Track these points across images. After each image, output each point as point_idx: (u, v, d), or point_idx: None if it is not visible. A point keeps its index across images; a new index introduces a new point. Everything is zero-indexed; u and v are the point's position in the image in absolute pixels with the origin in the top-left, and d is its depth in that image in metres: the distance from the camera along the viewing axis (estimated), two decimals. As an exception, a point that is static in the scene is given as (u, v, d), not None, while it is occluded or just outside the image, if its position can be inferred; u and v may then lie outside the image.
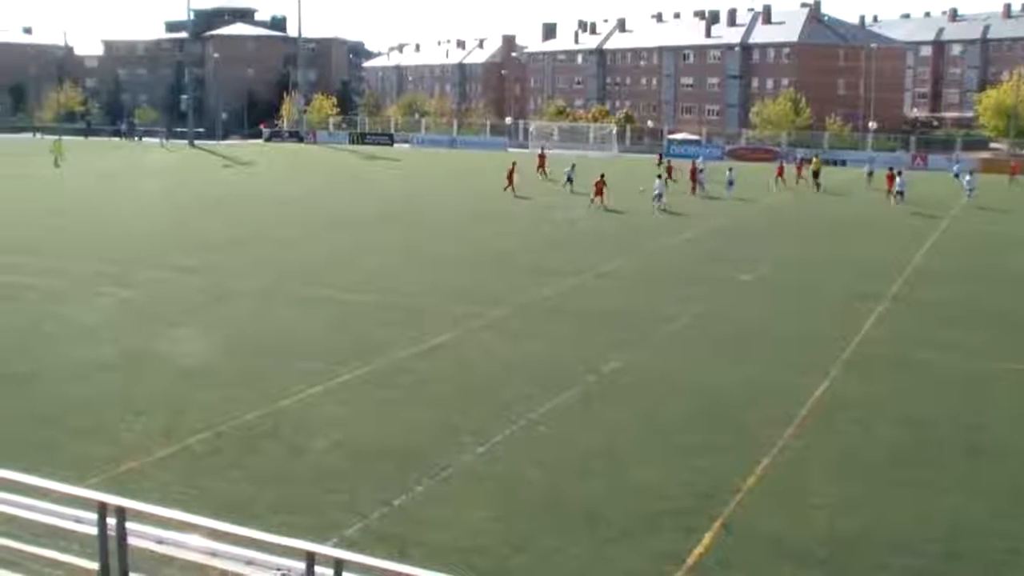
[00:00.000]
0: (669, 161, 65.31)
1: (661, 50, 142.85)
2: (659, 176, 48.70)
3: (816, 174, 60.26)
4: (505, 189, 52.21)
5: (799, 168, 63.71)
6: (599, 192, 47.07)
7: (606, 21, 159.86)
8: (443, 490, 13.67)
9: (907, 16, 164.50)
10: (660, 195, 46.73)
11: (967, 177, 57.92)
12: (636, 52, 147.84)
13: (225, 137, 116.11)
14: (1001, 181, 65.90)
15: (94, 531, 6.24)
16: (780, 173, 60.99)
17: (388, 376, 19.19)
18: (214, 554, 6.21)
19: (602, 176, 47.39)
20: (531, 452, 15.20)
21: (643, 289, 28.52)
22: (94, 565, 6.23)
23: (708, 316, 25.12)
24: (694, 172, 55.84)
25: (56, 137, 71.86)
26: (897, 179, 52.70)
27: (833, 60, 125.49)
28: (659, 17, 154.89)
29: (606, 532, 12.41)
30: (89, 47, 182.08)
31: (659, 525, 12.66)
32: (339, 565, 5.69)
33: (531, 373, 19.49)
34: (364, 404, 17.55)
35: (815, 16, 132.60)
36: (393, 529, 12.34)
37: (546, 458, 14.94)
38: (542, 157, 65.24)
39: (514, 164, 54.54)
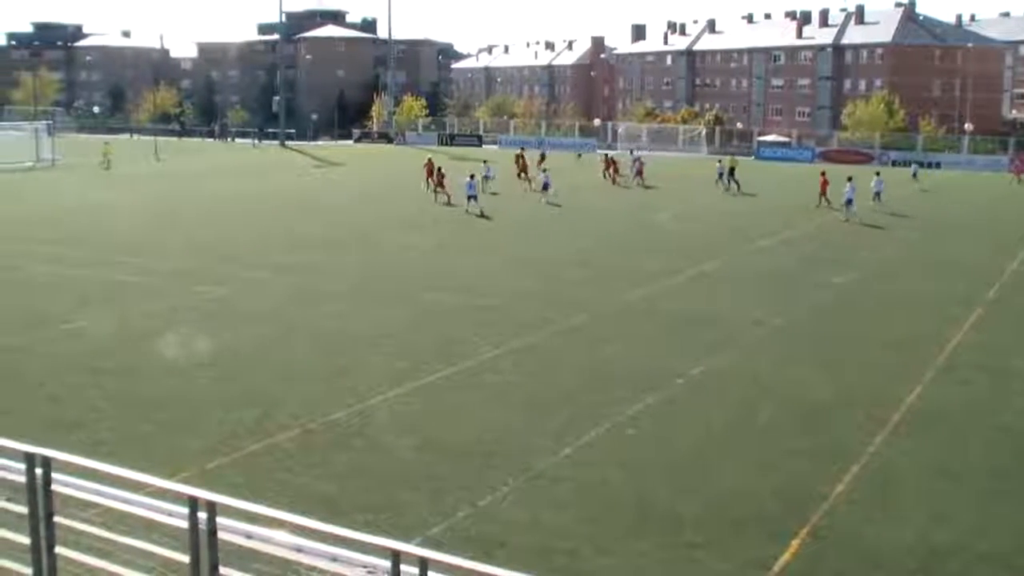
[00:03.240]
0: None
1: (751, 51, 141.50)
2: (849, 179, 45.23)
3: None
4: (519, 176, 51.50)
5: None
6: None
7: (695, 22, 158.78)
8: (528, 491, 13.66)
9: (1006, 14, 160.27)
10: (851, 201, 44.32)
11: None
12: (726, 53, 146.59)
13: (316, 138, 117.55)
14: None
15: (185, 524, 6.32)
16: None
17: (474, 376, 19.24)
18: (300, 550, 6.24)
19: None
20: (617, 455, 15.12)
21: (734, 291, 28.20)
22: (185, 558, 6.31)
23: (799, 319, 24.77)
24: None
25: (105, 141, 73.51)
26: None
27: (928, 60, 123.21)
28: (749, 18, 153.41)
29: (692, 537, 12.29)
30: (184, 49, 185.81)
31: (746, 531, 12.51)
32: (424, 564, 5.68)
33: (618, 375, 19.39)
34: (450, 404, 17.61)
35: (910, 16, 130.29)
36: (478, 529, 12.36)
37: (632, 461, 14.85)
38: (609, 159, 64.90)
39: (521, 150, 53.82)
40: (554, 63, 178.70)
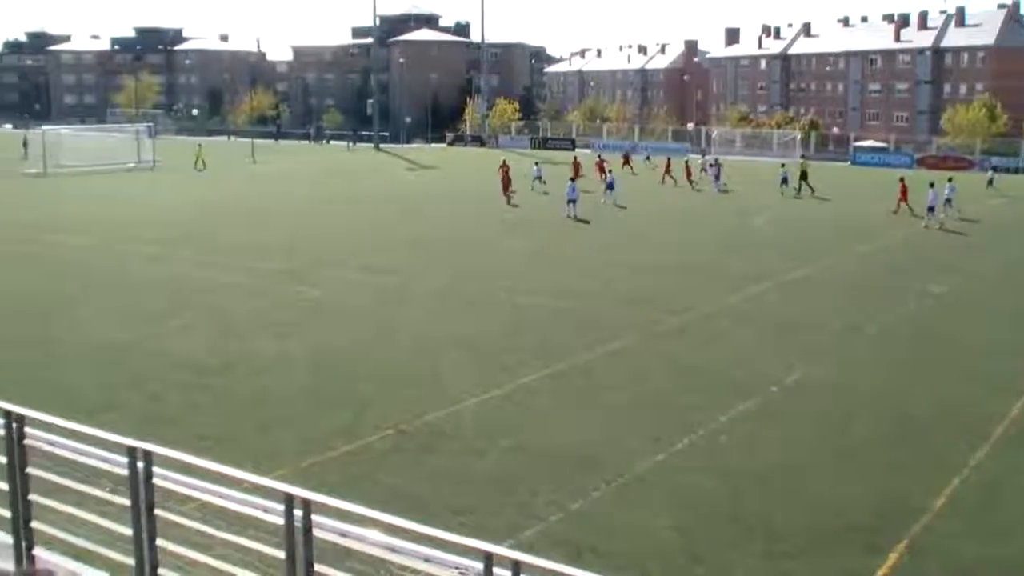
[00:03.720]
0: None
1: (847, 55, 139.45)
2: (931, 184, 44.45)
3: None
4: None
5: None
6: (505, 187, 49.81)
7: (790, 26, 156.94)
8: (620, 496, 13.58)
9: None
10: (933, 208, 43.52)
11: None
12: (821, 57, 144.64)
13: (409, 141, 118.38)
14: None
15: (281, 521, 6.38)
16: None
17: (567, 380, 19.20)
18: (393, 550, 6.26)
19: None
20: (711, 462, 14.96)
21: (829, 298, 27.72)
22: (280, 554, 6.37)
23: (897, 328, 24.30)
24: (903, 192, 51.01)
25: (199, 143, 74.92)
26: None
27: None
28: (845, 21, 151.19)
29: (785, 547, 12.12)
30: (280, 53, 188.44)
31: (841, 542, 12.29)
32: (517, 567, 5.67)
33: (712, 381, 19.21)
34: (543, 407, 17.59)
35: (1013, 16, 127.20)
36: (570, 533, 12.32)
37: (726, 468, 14.68)
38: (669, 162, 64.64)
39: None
40: (647, 67, 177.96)
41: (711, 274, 31.01)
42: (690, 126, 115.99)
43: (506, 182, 51.72)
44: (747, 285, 28.92)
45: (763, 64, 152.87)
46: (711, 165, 61.91)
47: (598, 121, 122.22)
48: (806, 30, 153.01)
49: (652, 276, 30.68)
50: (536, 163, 60.48)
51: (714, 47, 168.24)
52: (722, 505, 13.31)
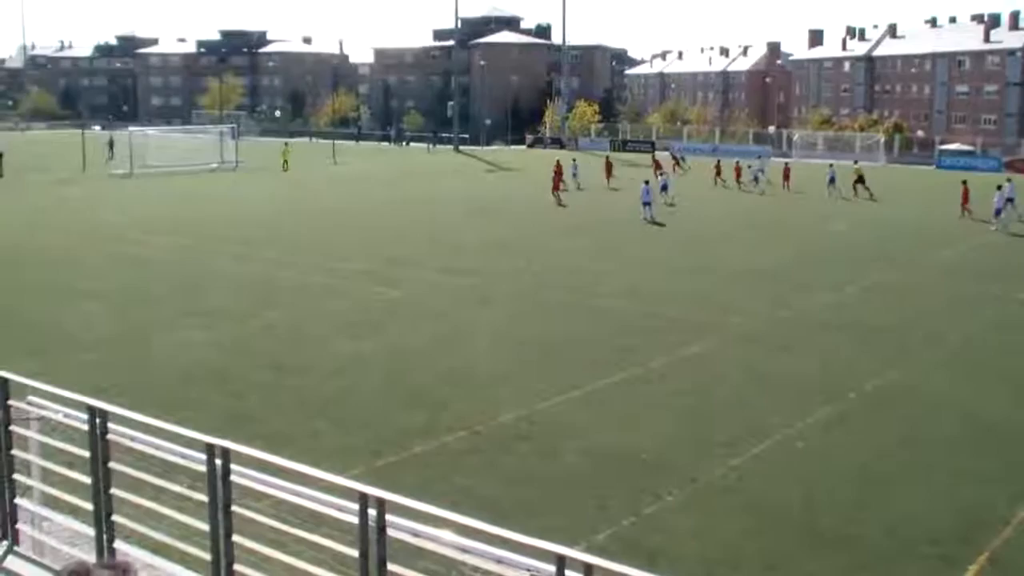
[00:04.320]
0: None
1: (934, 56, 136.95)
2: (999, 187, 43.98)
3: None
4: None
5: None
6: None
7: (875, 27, 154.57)
8: (694, 501, 13.51)
9: None
10: (999, 211, 42.91)
11: None
12: (907, 59, 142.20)
13: (489, 143, 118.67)
14: None
15: (355, 520, 6.43)
16: None
17: (643, 384, 19.13)
18: (465, 551, 6.28)
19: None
20: (786, 468, 14.82)
21: (908, 304, 27.25)
22: (354, 552, 6.43)
23: (979, 335, 23.84)
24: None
25: (285, 142, 75.80)
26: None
27: None
28: (933, 22, 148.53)
29: (861, 556, 11.96)
30: (362, 55, 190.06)
31: (918, 553, 12.10)
32: (589, 570, 5.65)
33: (788, 387, 19.01)
34: (618, 411, 17.55)
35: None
36: (642, 537, 12.28)
37: (801, 475, 14.53)
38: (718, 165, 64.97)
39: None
40: (728, 69, 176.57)
41: (784, 278, 30.64)
42: (771, 129, 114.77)
43: (557, 182, 52.81)
44: (822, 290, 28.57)
45: (847, 66, 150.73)
46: (749, 166, 62.00)
47: (678, 123, 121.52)
48: (892, 31, 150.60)
49: (724, 279, 30.41)
50: (573, 159, 62.53)
51: (797, 49, 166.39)
52: (797, 513, 13.18)
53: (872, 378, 19.54)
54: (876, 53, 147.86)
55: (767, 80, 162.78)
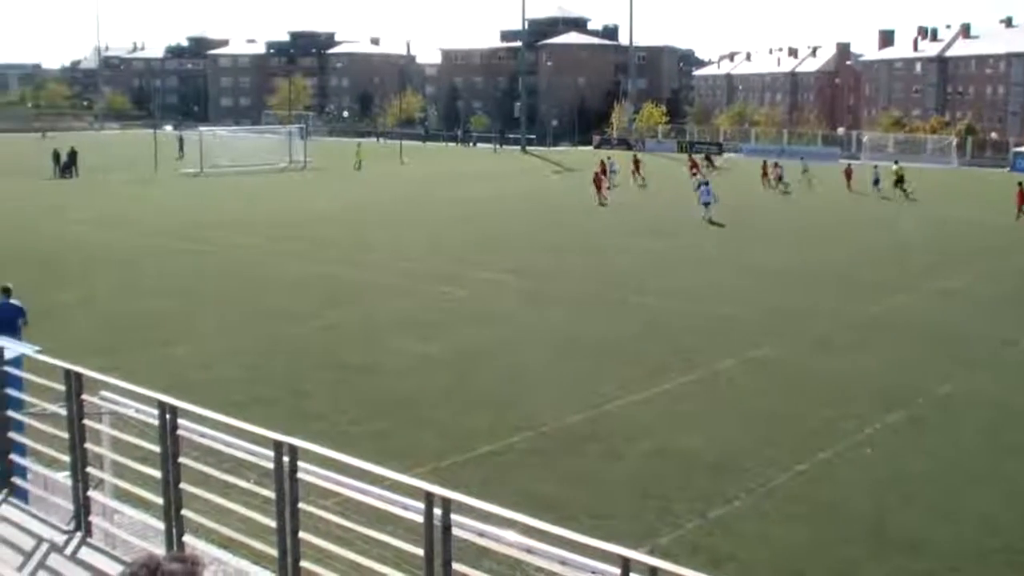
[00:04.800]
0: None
1: (1010, 57, 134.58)
2: None
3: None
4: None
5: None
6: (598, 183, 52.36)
7: (948, 27, 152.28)
8: (761, 506, 13.38)
9: None
10: None
11: None
12: (981, 59, 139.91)
13: (555, 144, 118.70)
14: None
15: (420, 519, 6.45)
16: None
17: (708, 386, 19.00)
18: (530, 551, 6.27)
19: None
20: (854, 474, 14.63)
21: (982, 309, 26.77)
22: (419, 551, 6.44)
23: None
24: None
25: (358, 142, 76.43)
26: None
27: None
28: (1008, 21, 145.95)
29: (931, 564, 11.78)
30: (429, 56, 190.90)
31: (990, 561, 11.89)
32: (654, 573, 5.61)
33: (857, 391, 18.76)
34: (683, 413, 17.45)
35: None
36: (707, 541, 12.20)
37: (870, 481, 14.34)
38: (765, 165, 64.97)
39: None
40: (797, 70, 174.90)
41: (850, 281, 30.19)
42: (840, 130, 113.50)
43: (599, 181, 53.74)
44: (890, 293, 28.13)
45: (918, 67, 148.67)
46: (777, 165, 63.17)
47: (746, 125, 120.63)
48: (965, 31, 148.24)
49: (789, 282, 30.05)
50: (609, 157, 63.91)
51: (867, 49, 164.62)
52: (866, 519, 12.99)
53: (944, 383, 19.25)
54: (949, 54, 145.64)
55: (836, 81, 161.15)
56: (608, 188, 54.33)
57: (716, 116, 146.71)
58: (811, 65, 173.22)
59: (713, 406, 17.87)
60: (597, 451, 15.41)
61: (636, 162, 65.35)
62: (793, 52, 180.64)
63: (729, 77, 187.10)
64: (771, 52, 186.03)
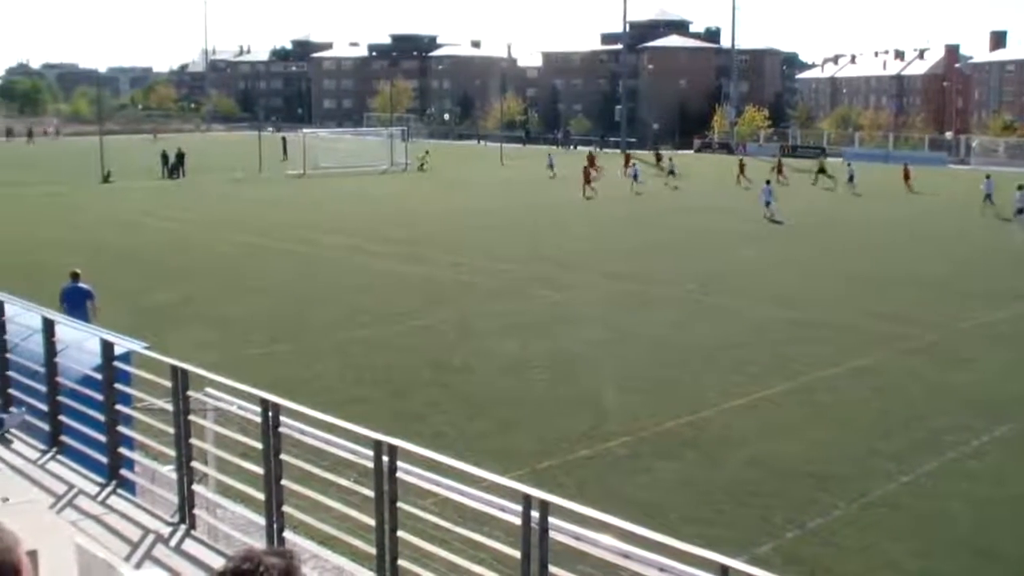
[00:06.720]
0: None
1: None
2: None
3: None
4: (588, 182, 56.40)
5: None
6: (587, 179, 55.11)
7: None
8: (861, 517, 13.14)
9: None
10: None
11: None
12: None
13: (655, 147, 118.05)
14: None
15: (517, 521, 6.44)
16: None
17: (809, 394, 18.72)
18: (627, 556, 6.22)
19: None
20: (960, 487, 14.28)
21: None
22: (516, 553, 6.44)
23: None
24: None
25: (425, 151, 77.18)
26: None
27: None
28: None
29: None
30: (530, 59, 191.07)
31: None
32: (752, 582, 5.54)
33: (963, 402, 18.31)
34: (784, 421, 17.22)
35: None
36: (806, 552, 12.02)
37: (975, 495, 13.98)
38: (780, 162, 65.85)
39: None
40: (903, 73, 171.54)
41: (952, 288, 29.42)
42: (948, 135, 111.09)
43: (587, 174, 57.25)
44: (999, 302, 27.36)
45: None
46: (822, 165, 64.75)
47: (850, 129, 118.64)
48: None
49: (887, 288, 29.32)
50: (635, 162, 66.30)
51: (977, 51, 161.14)
52: (969, 534, 12.68)
53: (1054, 396, 18.69)
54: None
55: (944, 84, 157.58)
56: (595, 182, 57.17)
57: (819, 120, 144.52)
58: (918, 68, 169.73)
59: (815, 414, 17.60)
60: (695, 457, 15.29)
61: (741, 166, 65.17)
62: (899, 54, 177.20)
63: (833, 80, 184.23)
64: (876, 55, 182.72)
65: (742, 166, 65.89)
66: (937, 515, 13.30)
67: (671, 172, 63.98)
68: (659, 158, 75.59)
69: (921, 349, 22.40)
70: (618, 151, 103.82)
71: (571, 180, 59.78)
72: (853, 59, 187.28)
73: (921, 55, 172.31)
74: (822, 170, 64.12)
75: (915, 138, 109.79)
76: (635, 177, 61.69)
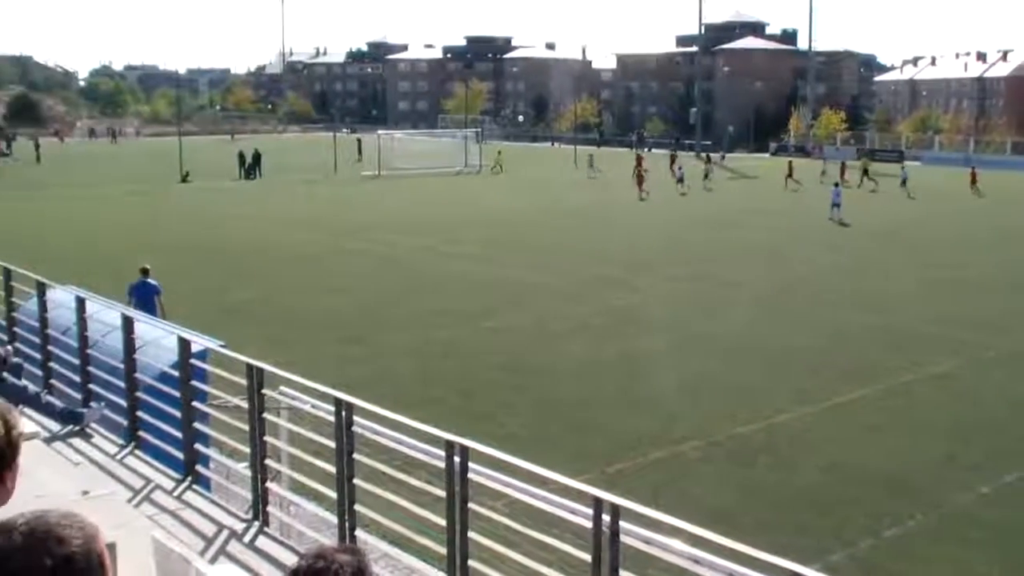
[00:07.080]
0: None
1: None
2: None
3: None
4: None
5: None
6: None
7: None
8: (938, 528, 12.92)
9: None
10: None
11: None
12: None
13: (731, 150, 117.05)
14: None
15: (588, 524, 6.43)
16: None
17: (886, 401, 18.44)
18: (698, 562, 6.18)
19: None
20: (1042, 498, 13.99)
21: None
22: (586, 556, 6.43)
23: None
24: None
25: (498, 151, 77.16)
26: None
27: None
28: None
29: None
30: (604, 61, 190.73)
31: None
32: (826, 591, 5.47)
33: (1045, 411, 17.93)
34: (860, 427, 16.98)
35: None
36: (881, 561, 11.85)
37: (1058, 506, 13.68)
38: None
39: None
40: (985, 75, 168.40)
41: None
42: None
43: (640, 177, 58.00)
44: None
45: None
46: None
47: (930, 133, 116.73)
48: None
49: (966, 294, 28.76)
50: (680, 165, 67.17)
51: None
52: (1053, 546, 12.41)
53: None
54: None
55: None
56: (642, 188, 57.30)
57: (898, 123, 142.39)
58: (1001, 70, 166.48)
59: (891, 421, 17.33)
60: (768, 462, 15.14)
61: (790, 168, 65.41)
62: (981, 56, 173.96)
63: (912, 82, 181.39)
64: (957, 56, 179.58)
65: (791, 168, 65.46)
66: (1018, 528, 13.01)
67: (680, 180, 63.08)
68: (673, 160, 74.98)
69: (1002, 358, 21.88)
70: (693, 154, 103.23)
71: (617, 182, 59.66)
72: (933, 61, 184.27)
73: (1005, 57, 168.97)
74: (866, 172, 64.10)
75: (997, 142, 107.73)
76: (680, 179, 62.57)
